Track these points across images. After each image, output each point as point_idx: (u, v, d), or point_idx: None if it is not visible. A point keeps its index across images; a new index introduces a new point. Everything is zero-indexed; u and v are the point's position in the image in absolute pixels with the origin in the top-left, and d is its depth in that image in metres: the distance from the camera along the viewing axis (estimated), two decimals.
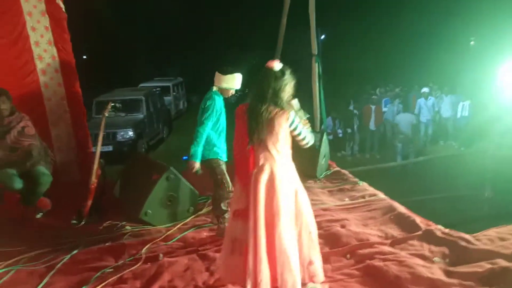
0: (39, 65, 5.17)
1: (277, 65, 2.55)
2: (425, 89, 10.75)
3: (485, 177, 5.54)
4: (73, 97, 5.34)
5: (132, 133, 9.91)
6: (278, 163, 2.52)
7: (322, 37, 18.67)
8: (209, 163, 3.60)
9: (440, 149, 10.02)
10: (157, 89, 13.64)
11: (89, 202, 4.22)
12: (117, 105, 5.25)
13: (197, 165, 3.46)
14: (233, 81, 3.60)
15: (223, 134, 3.67)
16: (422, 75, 13.56)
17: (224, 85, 3.59)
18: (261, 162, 2.53)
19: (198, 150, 3.45)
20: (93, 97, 10.71)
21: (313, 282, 2.68)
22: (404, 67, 15.97)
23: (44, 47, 5.15)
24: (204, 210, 4.38)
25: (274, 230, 2.44)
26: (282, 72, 2.53)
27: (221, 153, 3.65)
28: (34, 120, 4.32)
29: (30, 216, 4.34)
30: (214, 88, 3.63)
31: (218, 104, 3.57)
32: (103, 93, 11.68)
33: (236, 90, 3.76)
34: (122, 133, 9.82)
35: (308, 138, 2.63)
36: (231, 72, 3.59)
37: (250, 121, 2.54)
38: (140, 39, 24.67)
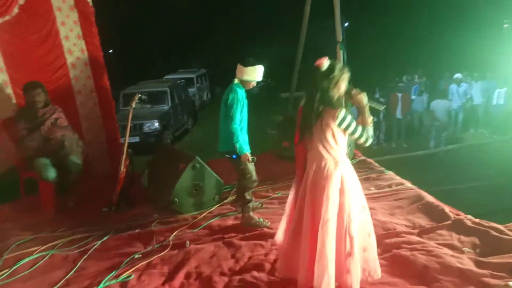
0: (69, 59, 5.31)
1: (325, 63, 2.47)
2: (458, 75, 10.39)
3: None
4: (102, 90, 5.48)
5: (158, 124, 10.09)
6: (326, 163, 2.48)
7: (346, 24, 18.30)
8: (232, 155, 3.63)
9: (471, 137, 9.69)
10: (182, 80, 13.79)
11: (118, 191, 4.36)
12: (143, 96, 5.36)
13: (249, 154, 3.55)
14: (255, 73, 3.58)
15: (245, 126, 3.69)
16: (452, 62, 13.09)
17: (246, 77, 3.57)
18: (309, 162, 2.55)
19: (241, 143, 3.50)
20: (120, 90, 10.96)
21: None
22: (433, 54, 15.46)
23: (73, 41, 5.29)
24: (229, 199, 4.44)
25: (316, 232, 2.42)
26: (330, 69, 2.46)
27: (247, 144, 3.66)
28: (65, 113, 4.49)
29: (65, 204, 4.51)
30: (236, 81, 3.63)
31: (241, 96, 3.57)
32: (129, 86, 11.92)
33: (258, 82, 3.75)
34: (148, 125, 10.01)
35: (364, 136, 2.49)
36: (253, 64, 3.56)
37: (302, 120, 2.55)
38: (164, 32, 24.95)
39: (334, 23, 5.43)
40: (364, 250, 2.56)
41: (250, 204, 3.77)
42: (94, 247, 3.53)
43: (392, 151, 8.65)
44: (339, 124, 2.42)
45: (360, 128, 2.47)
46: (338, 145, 2.48)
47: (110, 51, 23.04)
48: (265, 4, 23.06)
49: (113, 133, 5.67)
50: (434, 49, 15.57)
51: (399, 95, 9.87)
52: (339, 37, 5.39)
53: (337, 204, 2.44)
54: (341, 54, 5.40)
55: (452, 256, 2.91)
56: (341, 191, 2.47)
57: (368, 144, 2.55)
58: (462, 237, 3.18)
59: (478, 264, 2.81)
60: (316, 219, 2.46)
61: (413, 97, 10.51)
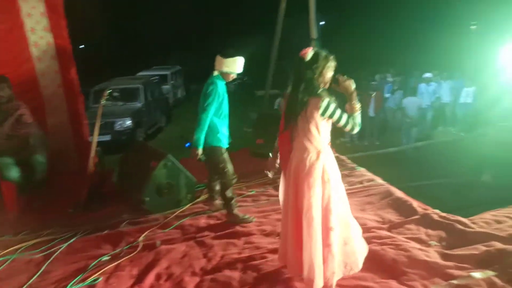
0: (35, 53, 5.10)
1: (309, 53, 2.47)
2: (427, 75, 10.66)
3: (483, 162, 5.52)
4: (70, 85, 5.29)
5: (130, 122, 9.85)
6: (309, 153, 2.47)
7: (322, 23, 18.47)
8: (212, 151, 3.56)
9: (439, 135, 9.98)
10: (156, 77, 13.55)
11: (86, 191, 4.23)
12: (114, 93, 5.21)
13: (200, 151, 3.45)
14: (235, 65, 3.51)
15: (226, 120, 3.64)
16: (423, 61, 13.44)
17: (225, 69, 3.50)
18: (292, 152, 2.56)
19: (201, 136, 3.42)
20: (91, 87, 10.65)
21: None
22: (404, 53, 15.84)
23: (40, 34, 5.07)
24: (201, 198, 4.38)
25: (300, 222, 2.43)
26: (314, 59, 2.45)
27: (223, 139, 3.62)
28: (30, 109, 4.30)
29: (28, 205, 4.34)
30: (215, 73, 3.55)
31: (221, 88, 3.50)
32: (101, 82, 11.61)
33: (235, 78, 3.71)
34: (120, 122, 9.76)
35: (349, 124, 2.48)
36: (233, 56, 3.50)
37: (287, 110, 2.54)
38: (140, 28, 24.48)
39: (309, 20, 5.45)
40: (344, 244, 2.55)
41: (233, 202, 3.74)
42: (59, 250, 3.41)
43: (364, 149, 8.80)
44: (323, 113, 2.40)
45: (345, 116, 2.46)
46: (321, 135, 2.47)
47: (81, 46, 22.40)
48: (239, 0, 23.00)
49: (80, 129, 5.49)
50: (406, 49, 15.96)
51: (372, 93, 10.05)
52: (313, 34, 5.42)
53: (319, 194, 2.44)
54: None
55: (420, 249, 2.98)
56: (322, 181, 2.46)
57: (355, 131, 2.55)
58: (429, 231, 3.27)
59: (443, 256, 2.89)
60: (299, 209, 2.47)
61: (387, 95, 10.71)
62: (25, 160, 4.14)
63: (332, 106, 2.41)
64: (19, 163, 4.10)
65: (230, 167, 3.63)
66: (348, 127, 2.50)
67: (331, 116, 2.43)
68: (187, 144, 3.51)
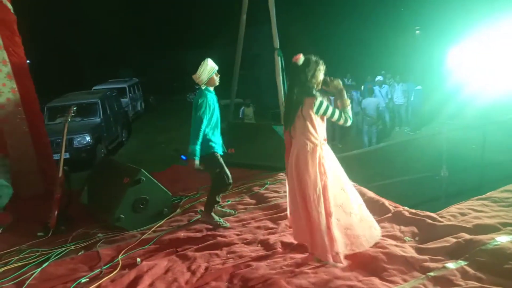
0: None
1: (301, 58, 2.76)
2: (379, 78, 11.21)
3: (440, 158, 5.90)
4: (29, 104, 5.05)
5: (89, 138, 9.47)
6: (306, 148, 2.75)
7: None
8: (208, 159, 3.67)
9: (396, 135, 10.52)
10: (114, 91, 13.15)
11: (56, 212, 4.04)
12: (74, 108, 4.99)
13: (197, 162, 3.55)
14: (207, 67, 3.63)
15: (218, 128, 3.77)
16: (375, 65, 14.09)
17: (205, 77, 3.63)
18: (292, 148, 2.86)
19: (197, 148, 3.53)
20: (43, 103, 10.13)
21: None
22: (356, 58, 16.52)
23: None
24: (178, 211, 4.33)
25: (309, 208, 2.79)
26: (306, 63, 2.74)
27: (217, 146, 3.74)
28: None
29: None
30: (202, 87, 3.68)
31: (210, 99, 3.64)
32: (52, 98, 11.06)
33: (194, 89, 3.80)
34: (78, 139, 9.35)
35: (342, 117, 2.79)
36: (200, 65, 3.63)
37: (285, 111, 2.87)
38: (88, 41, 23.62)
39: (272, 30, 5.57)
40: (346, 228, 2.87)
41: (217, 206, 3.80)
42: (32, 276, 3.23)
43: None
44: (317, 111, 2.71)
45: (337, 112, 2.78)
46: (316, 132, 2.77)
47: (28, 61, 21.27)
48: (199, 11, 22.93)
49: (43, 149, 5.24)
50: (360, 54, 16.66)
51: (332, 98, 10.38)
52: (276, 43, 5.55)
53: (318, 184, 2.75)
54: (278, 60, 5.56)
55: (396, 246, 3.15)
56: (320, 174, 2.76)
57: (348, 124, 2.85)
58: (403, 227, 3.46)
59: (418, 250, 3.08)
60: (306, 198, 2.79)
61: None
62: None
63: (325, 104, 2.72)
64: None
65: (227, 172, 3.74)
66: (342, 121, 2.81)
67: (324, 113, 2.74)
68: (183, 157, 3.60)
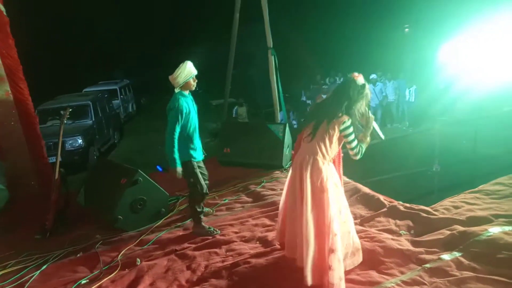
0: None
1: (361, 79, 2.73)
2: (373, 76, 11.31)
3: (432, 153, 6.00)
4: (23, 106, 5.01)
5: (81, 141, 9.41)
6: (316, 158, 2.68)
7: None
8: (183, 166, 3.53)
9: (389, 132, 10.62)
10: (104, 93, 13.08)
11: (53, 214, 4.04)
12: (61, 111, 4.93)
13: (179, 169, 3.44)
14: (185, 70, 3.47)
15: (196, 132, 3.63)
16: (366, 63, 14.20)
17: (181, 80, 3.47)
18: (301, 148, 2.80)
19: (175, 156, 3.41)
20: (33, 106, 10.02)
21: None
22: (349, 57, 16.62)
23: None
24: (175, 211, 4.35)
25: (302, 217, 2.67)
26: (363, 86, 2.71)
27: (195, 153, 3.62)
28: None
29: None
30: (176, 90, 3.55)
31: (184, 104, 3.47)
32: (42, 101, 10.95)
33: (196, 90, 3.71)
34: (70, 142, 9.29)
35: (356, 148, 2.72)
36: (178, 67, 3.49)
37: (312, 114, 2.82)
38: (79, 42, 23.38)
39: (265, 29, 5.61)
40: (346, 247, 2.82)
41: (202, 216, 3.76)
42: (32, 279, 3.23)
43: None
44: (342, 130, 2.66)
45: (356, 141, 2.71)
46: (330, 148, 2.71)
47: None
48: (191, 9, 22.83)
49: (38, 151, 5.20)
50: (351, 53, 16.75)
51: (324, 96, 10.46)
52: (270, 43, 5.59)
53: (319, 202, 2.65)
54: (272, 59, 5.61)
55: (392, 239, 3.22)
56: (323, 190, 2.66)
57: (357, 158, 2.78)
58: (398, 221, 3.53)
59: (414, 243, 3.15)
60: (303, 202, 2.68)
61: None
62: None
63: (351, 128, 2.68)
64: None
65: (201, 182, 3.64)
66: (355, 151, 2.74)
67: (346, 135, 2.69)
68: (158, 167, 3.46)
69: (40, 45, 21.10)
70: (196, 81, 3.62)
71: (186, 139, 3.53)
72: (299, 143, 2.90)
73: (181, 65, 3.49)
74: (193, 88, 3.62)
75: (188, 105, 3.52)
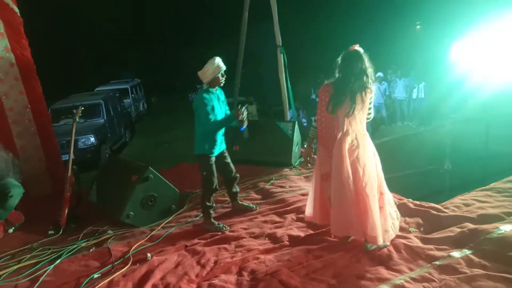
0: None
1: (358, 48, 2.90)
2: (379, 74, 11.22)
3: (444, 151, 5.93)
4: (36, 105, 5.11)
5: (93, 139, 9.56)
6: (360, 132, 2.92)
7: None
8: (198, 159, 3.67)
9: (399, 130, 10.53)
10: (116, 92, 13.25)
11: (66, 211, 4.12)
12: (74, 110, 5.03)
13: (213, 159, 3.72)
14: (213, 67, 3.53)
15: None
16: (377, 61, 14.09)
17: (209, 76, 3.54)
18: (345, 129, 2.92)
19: (224, 124, 3.61)
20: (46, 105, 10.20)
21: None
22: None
23: (0, 55, 4.88)
24: (185, 207, 4.40)
25: (362, 190, 2.89)
26: (365, 53, 2.89)
27: (212, 148, 3.67)
28: None
29: (2, 231, 4.15)
30: (204, 86, 3.62)
31: (207, 98, 3.53)
32: (54, 100, 11.14)
33: (195, 88, 3.77)
34: (83, 140, 9.45)
35: (373, 112, 3.04)
36: (208, 62, 3.55)
37: (338, 95, 2.87)
38: (89, 42, 23.70)
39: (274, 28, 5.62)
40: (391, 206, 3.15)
41: (211, 210, 3.80)
42: (45, 273, 3.30)
43: None
44: (371, 98, 2.91)
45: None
46: (365, 121, 2.98)
47: None
48: (200, 9, 22.94)
49: (52, 150, 5.31)
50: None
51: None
52: (279, 41, 5.60)
53: (373, 166, 2.94)
54: (281, 57, 5.62)
55: (402, 236, 3.20)
56: (374, 156, 2.98)
57: (371, 118, 3.05)
58: (408, 219, 3.51)
59: (423, 240, 3.14)
60: (358, 180, 2.88)
61: None
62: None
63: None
64: None
65: (213, 179, 3.70)
66: (372, 115, 3.05)
67: (371, 102, 2.94)
68: (242, 128, 3.65)
69: (53, 45, 21.48)
70: (225, 76, 3.67)
71: (207, 134, 3.61)
72: (327, 126, 3.03)
73: (210, 60, 3.55)
74: (221, 84, 3.68)
75: (210, 99, 3.56)
